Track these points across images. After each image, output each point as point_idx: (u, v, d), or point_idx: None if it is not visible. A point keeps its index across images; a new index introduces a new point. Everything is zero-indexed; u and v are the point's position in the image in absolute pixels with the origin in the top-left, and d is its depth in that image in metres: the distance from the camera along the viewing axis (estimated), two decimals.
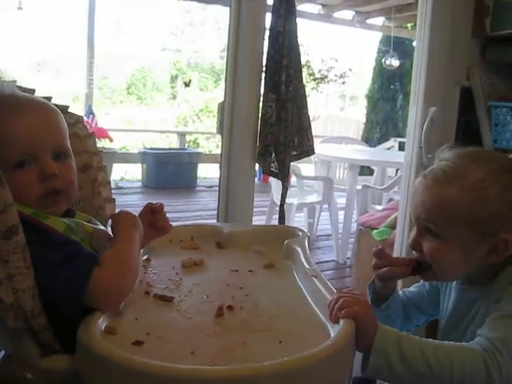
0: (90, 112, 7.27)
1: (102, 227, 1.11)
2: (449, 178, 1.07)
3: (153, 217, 1.20)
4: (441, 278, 1.17)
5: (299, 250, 1.28)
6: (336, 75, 11.81)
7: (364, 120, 10.83)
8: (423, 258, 1.12)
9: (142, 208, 1.22)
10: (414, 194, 1.14)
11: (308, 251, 1.28)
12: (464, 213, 1.05)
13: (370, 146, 8.04)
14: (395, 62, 7.45)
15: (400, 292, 1.32)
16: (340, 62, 11.90)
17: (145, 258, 1.23)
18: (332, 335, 0.88)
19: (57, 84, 10.02)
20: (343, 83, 12.42)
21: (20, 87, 1.07)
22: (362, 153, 5.55)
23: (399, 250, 2.40)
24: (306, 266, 1.18)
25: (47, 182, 0.98)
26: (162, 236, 1.23)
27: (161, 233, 1.22)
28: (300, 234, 1.42)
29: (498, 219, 1.05)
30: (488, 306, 1.08)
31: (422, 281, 1.31)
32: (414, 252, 1.15)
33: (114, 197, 1.35)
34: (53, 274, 0.88)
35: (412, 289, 1.35)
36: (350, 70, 12.19)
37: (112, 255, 0.95)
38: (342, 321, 0.90)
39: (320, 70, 11.39)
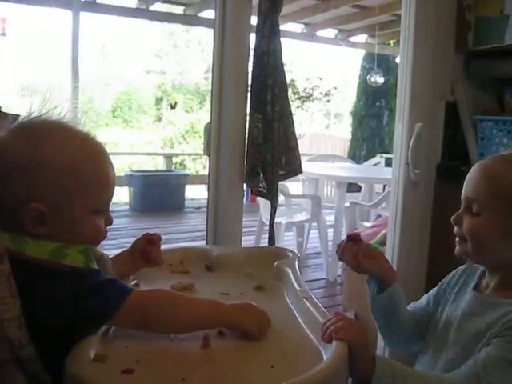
0: None
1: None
2: (505, 159, 1.13)
3: (147, 247, 1.22)
4: (473, 253, 1.14)
5: (289, 271, 1.26)
6: (321, 93, 11.92)
7: (349, 137, 10.89)
8: (461, 233, 1.14)
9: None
10: (469, 175, 1.16)
11: (298, 272, 1.26)
12: (506, 188, 1.07)
13: (357, 162, 8.09)
14: (380, 79, 7.51)
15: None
16: (324, 80, 12.02)
17: (133, 282, 1.21)
18: (324, 358, 0.87)
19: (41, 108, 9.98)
20: (328, 101, 12.53)
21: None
22: (349, 170, 5.57)
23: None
24: (297, 288, 1.17)
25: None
26: (151, 267, 1.24)
27: (151, 264, 1.23)
28: (290, 254, 1.41)
29: None
30: None
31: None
32: (455, 227, 1.16)
33: None
34: (82, 301, 0.87)
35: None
36: (335, 87, 12.31)
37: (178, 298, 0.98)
38: (334, 343, 0.89)
39: (305, 89, 11.49)
